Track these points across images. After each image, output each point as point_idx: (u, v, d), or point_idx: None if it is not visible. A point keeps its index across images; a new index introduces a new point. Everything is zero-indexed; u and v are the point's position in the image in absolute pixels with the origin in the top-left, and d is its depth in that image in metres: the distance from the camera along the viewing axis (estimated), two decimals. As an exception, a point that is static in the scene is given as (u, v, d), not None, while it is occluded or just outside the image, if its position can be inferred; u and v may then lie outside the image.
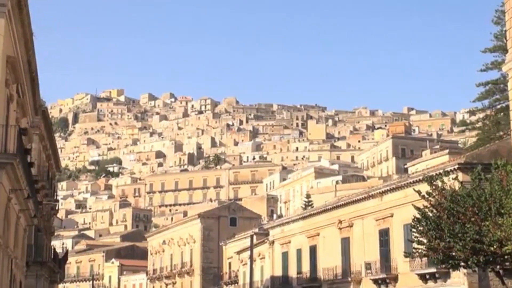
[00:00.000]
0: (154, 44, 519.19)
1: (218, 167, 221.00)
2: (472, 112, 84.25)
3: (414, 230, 36.15)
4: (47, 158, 50.39)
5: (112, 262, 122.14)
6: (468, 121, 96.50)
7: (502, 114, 70.13)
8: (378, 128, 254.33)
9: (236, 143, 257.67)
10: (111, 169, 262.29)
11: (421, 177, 44.05)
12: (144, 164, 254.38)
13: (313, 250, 59.80)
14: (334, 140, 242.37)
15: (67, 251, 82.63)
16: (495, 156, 38.97)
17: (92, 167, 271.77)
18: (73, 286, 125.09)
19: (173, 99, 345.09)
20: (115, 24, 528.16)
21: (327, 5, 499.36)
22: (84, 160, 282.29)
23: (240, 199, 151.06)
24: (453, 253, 33.97)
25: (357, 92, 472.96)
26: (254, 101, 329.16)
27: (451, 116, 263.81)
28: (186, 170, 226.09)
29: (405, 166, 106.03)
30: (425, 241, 35.21)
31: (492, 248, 32.59)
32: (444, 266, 37.00)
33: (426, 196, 35.80)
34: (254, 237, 68.29)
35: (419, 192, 36.77)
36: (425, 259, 42.26)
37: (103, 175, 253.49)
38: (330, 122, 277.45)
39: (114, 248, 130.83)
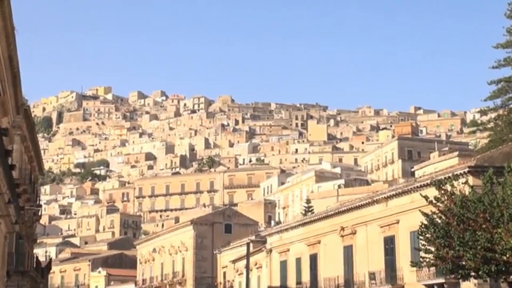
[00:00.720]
0: (144, 39, 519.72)
1: (212, 170, 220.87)
2: (483, 112, 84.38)
3: (422, 237, 36.16)
4: (30, 160, 50.34)
5: (99, 272, 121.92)
6: (479, 121, 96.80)
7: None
8: (383, 129, 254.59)
9: (231, 145, 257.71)
10: (97, 172, 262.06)
11: (429, 181, 44.06)
12: (133, 166, 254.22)
13: (313, 259, 59.79)
14: (336, 141, 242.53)
15: (50, 259, 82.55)
16: (507, 158, 39.03)
17: (78, 170, 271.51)
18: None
19: (164, 98, 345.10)
20: (102, 19, 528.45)
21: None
22: (69, 163, 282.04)
23: (236, 205, 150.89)
24: (463, 263, 33.99)
25: (360, 90, 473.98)
26: (250, 100, 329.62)
27: (461, 116, 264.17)
28: (178, 173, 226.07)
29: (412, 170, 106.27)
30: (433, 249, 35.23)
31: (504, 257, 32.62)
32: (453, 276, 37.02)
33: (434, 201, 35.81)
34: (251, 245, 68.32)
35: (426, 197, 36.77)
36: (433, 269, 42.26)
37: (89, 178, 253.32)
38: (331, 122, 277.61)
39: (100, 256, 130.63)
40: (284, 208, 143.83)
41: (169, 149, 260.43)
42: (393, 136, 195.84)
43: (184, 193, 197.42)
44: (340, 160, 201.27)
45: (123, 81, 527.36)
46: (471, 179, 40.92)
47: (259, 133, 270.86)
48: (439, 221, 35.10)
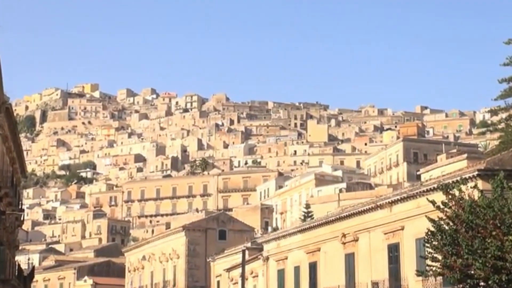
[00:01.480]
0: (134, 34, 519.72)
1: (205, 172, 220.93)
2: (493, 112, 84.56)
3: (428, 245, 36.18)
4: (11, 161, 50.35)
5: (85, 280, 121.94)
6: (489, 122, 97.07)
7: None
8: (387, 130, 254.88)
9: (226, 146, 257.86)
10: (83, 174, 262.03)
11: (435, 185, 44.06)
12: (121, 169, 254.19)
13: (313, 268, 59.82)
14: (337, 142, 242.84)
15: (33, 267, 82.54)
16: (519, 161, 39.09)
17: (62, 172, 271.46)
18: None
19: (154, 96, 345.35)
20: (89, 14, 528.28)
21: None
22: (53, 164, 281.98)
23: (231, 209, 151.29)
24: (472, 272, 34.03)
25: (363, 89, 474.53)
26: (246, 98, 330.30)
27: (470, 116, 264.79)
28: (169, 176, 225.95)
29: (418, 173, 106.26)
30: (440, 257, 35.26)
31: (515, 266, 32.70)
32: (461, 286, 37.02)
33: (442, 206, 35.85)
34: (246, 252, 68.28)
35: (433, 202, 36.80)
36: (440, 278, 42.23)
37: (75, 181, 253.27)
38: (333, 122, 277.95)
39: (87, 264, 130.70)
40: (282, 213, 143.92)
41: (160, 150, 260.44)
42: (398, 137, 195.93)
43: (175, 197, 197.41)
44: (342, 162, 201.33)
45: (111, 78, 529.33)
46: (480, 183, 40.92)
47: (256, 134, 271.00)
48: (447, 227, 35.14)
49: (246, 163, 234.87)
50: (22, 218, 59.10)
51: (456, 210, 35.09)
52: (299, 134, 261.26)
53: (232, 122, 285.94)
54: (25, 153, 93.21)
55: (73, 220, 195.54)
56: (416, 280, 46.11)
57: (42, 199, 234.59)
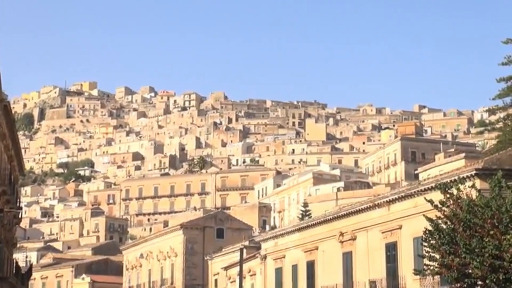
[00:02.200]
0: (132, 33, 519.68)
1: (203, 171, 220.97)
2: (492, 111, 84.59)
3: (426, 244, 36.20)
4: (9, 159, 50.33)
5: (83, 278, 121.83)
6: (487, 121, 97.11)
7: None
8: (385, 129, 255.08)
9: (224, 144, 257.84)
10: (81, 172, 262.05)
11: (433, 185, 44.09)
12: (119, 167, 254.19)
13: (310, 266, 59.80)
14: (335, 141, 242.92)
15: (31, 265, 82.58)
16: (517, 161, 39.09)
17: (60, 170, 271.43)
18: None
19: (152, 94, 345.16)
20: (88, 12, 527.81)
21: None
22: (51, 162, 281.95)
23: (229, 208, 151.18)
24: (470, 271, 34.04)
25: (362, 88, 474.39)
26: (244, 97, 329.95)
27: (468, 115, 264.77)
28: (167, 174, 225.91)
29: (416, 172, 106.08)
30: (437, 256, 35.27)
31: (513, 265, 32.71)
32: (459, 285, 37.03)
33: (439, 206, 35.86)
34: (244, 251, 68.30)
35: (431, 201, 36.81)
36: (437, 277, 42.24)
37: (73, 179, 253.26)
38: (331, 121, 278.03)
39: (84, 262, 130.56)
40: (279, 212, 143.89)
41: (158, 148, 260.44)
42: (396, 136, 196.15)
43: (173, 195, 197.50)
44: (340, 161, 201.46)
45: (109, 76, 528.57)
46: (478, 183, 40.92)
47: (254, 132, 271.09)
48: (444, 226, 35.15)
49: (244, 162, 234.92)
50: (20, 216, 59.07)
51: (454, 209, 35.11)
52: (297, 133, 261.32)
53: (230, 120, 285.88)
54: (23, 151, 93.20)
55: (71, 218, 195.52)
56: (413, 279, 46.12)
57: (40, 197, 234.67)
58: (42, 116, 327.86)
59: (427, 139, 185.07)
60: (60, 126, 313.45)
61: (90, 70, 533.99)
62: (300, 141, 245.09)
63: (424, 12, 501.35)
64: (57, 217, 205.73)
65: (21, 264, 74.28)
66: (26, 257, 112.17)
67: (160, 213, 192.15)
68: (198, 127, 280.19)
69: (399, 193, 50.66)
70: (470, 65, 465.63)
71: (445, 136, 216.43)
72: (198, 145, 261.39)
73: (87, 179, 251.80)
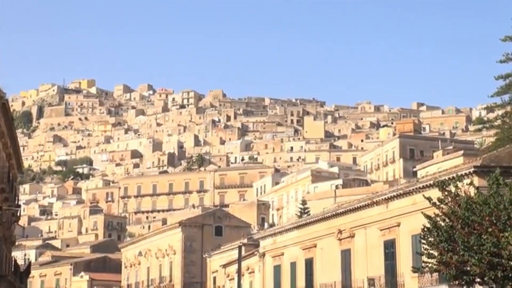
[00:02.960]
0: (130, 31, 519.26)
1: (202, 168, 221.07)
2: (490, 109, 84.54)
3: (424, 241, 36.22)
4: (8, 157, 50.31)
5: (81, 276, 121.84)
6: (485, 119, 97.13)
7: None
8: (383, 126, 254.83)
9: (222, 142, 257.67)
10: (80, 170, 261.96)
11: (431, 182, 44.14)
12: (118, 165, 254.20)
13: (309, 264, 59.83)
14: (333, 139, 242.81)
15: (29, 263, 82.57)
16: (515, 158, 39.11)
17: (59, 168, 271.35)
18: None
19: (151, 92, 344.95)
20: (86, 10, 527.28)
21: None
22: (50, 160, 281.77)
23: (227, 206, 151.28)
24: (468, 268, 34.07)
25: (360, 85, 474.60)
26: (243, 94, 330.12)
27: (466, 113, 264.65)
28: (165, 172, 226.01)
29: (414, 169, 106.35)
30: (436, 254, 35.28)
31: (511, 263, 32.69)
32: (457, 282, 37.05)
33: (438, 203, 35.88)
34: (243, 248, 68.27)
35: (429, 198, 36.84)
36: (436, 275, 42.31)
37: (71, 177, 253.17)
38: (329, 118, 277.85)
39: (83, 260, 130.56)
40: (278, 209, 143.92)
41: (157, 146, 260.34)
42: (394, 134, 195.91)
43: (172, 193, 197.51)
44: (338, 159, 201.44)
45: (107, 74, 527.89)
46: (476, 180, 41.00)
47: (252, 130, 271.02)
48: (443, 224, 35.16)
49: (242, 159, 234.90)
50: (18, 214, 59.11)
51: (452, 206, 35.12)
52: (296, 131, 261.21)
53: (228, 118, 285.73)
54: (21, 148, 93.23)
55: (69, 216, 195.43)
56: (412, 276, 46.18)
57: (38, 195, 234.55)
58: (40, 114, 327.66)
59: (425, 136, 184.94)
60: (59, 124, 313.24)
61: (88, 68, 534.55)
62: (299, 138, 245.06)
63: (422, 10, 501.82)
64: (56, 215, 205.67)
65: (20, 262, 74.24)
66: (25, 255, 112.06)
67: (158, 211, 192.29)
68: (197, 124, 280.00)
69: (397, 191, 50.72)
70: (468, 63, 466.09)
71: (443, 134, 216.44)
72: (197, 142, 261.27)
73: (86, 177, 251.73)
